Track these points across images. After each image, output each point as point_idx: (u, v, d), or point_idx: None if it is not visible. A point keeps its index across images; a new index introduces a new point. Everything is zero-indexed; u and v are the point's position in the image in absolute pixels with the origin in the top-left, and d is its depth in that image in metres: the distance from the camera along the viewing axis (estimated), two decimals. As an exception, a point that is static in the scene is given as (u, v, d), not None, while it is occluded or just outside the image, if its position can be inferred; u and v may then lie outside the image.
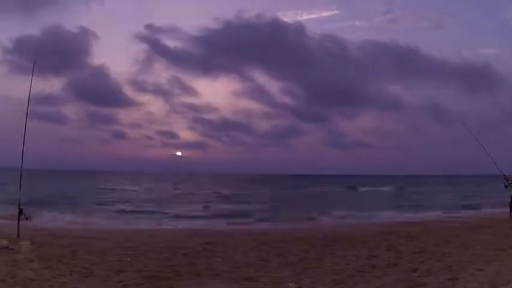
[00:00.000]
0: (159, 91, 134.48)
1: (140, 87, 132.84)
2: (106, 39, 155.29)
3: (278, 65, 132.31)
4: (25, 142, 9.33)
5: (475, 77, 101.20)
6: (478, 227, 12.56)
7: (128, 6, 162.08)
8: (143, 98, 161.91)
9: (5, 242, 8.38)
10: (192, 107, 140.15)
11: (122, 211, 22.77)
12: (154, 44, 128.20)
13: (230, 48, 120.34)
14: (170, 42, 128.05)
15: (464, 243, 9.34)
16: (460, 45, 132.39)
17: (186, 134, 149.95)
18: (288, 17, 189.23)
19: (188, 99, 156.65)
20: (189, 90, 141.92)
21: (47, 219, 16.18)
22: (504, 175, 12.30)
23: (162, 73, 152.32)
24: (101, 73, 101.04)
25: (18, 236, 9.03)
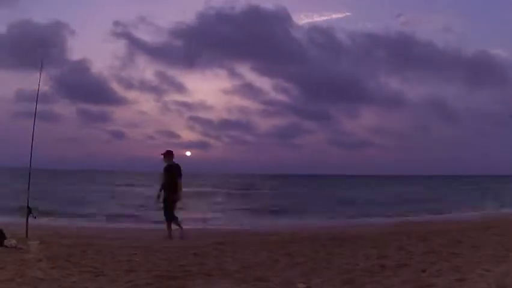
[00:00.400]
0: (147, 88, 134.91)
1: (127, 83, 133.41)
2: (82, 33, 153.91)
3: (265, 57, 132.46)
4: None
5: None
6: (487, 227, 12.54)
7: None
8: (132, 95, 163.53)
9: (13, 242, 8.44)
10: (186, 105, 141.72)
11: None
12: (132, 39, 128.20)
13: (213, 41, 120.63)
14: (149, 37, 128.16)
15: (474, 244, 9.39)
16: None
17: (185, 133, 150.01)
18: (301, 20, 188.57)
19: (180, 97, 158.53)
20: (178, 87, 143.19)
21: (57, 219, 16.18)
22: None
23: (146, 69, 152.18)
24: (82, 69, 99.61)
25: (26, 236, 9.09)
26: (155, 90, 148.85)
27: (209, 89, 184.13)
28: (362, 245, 9.85)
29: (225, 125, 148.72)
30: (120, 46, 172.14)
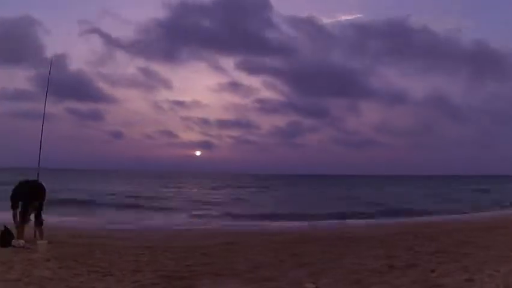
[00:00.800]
0: (133, 84, 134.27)
1: (110, 80, 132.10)
2: (54, 29, 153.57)
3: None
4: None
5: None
6: (494, 228, 12.46)
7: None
8: (118, 92, 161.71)
9: (21, 242, 8.41)
10: (179, 104, 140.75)
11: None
12: (107, 34, 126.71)
13: (194, 34, 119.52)
14: (125, 31, 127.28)
15: (482, 244, 9.47)
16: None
17: (183, 133, 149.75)
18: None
19: (169, 95, 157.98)
20: (165, 83, 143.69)
21: (66, 219, 16.19)
22: None
23: (127, 65, 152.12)
24: (61, 66, 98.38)
25: (34, 236, 9.02)
26: (142, 87, 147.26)
27: (196, 85, 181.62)
28: (370, 245, 9.91)
29: (223, 124, 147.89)
30: (97, 42, 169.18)
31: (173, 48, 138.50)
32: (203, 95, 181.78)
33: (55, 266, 7.01)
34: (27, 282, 5.94)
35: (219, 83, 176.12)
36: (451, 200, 33.35)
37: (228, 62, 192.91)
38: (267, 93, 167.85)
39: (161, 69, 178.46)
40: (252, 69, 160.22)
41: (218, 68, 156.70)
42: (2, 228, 8.65)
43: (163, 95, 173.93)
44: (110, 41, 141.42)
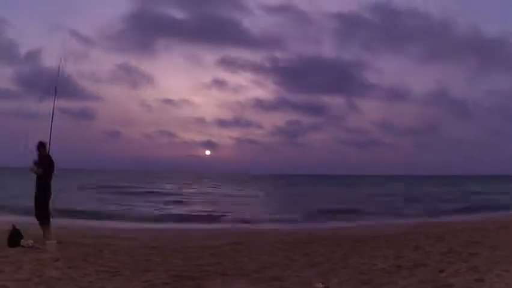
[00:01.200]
0: (116, 81, 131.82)
1: (91, 77, 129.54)
2: (24, 28, 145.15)
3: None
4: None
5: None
6: (503, 228, 12.50)
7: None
8: (100, 89, 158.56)
9: (30, 242, 8.43)
10: (167, 102, 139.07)
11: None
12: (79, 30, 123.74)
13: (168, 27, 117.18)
14: (98, 27, 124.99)
15: (491, 244, 9.50)
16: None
17: (179, 132, 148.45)
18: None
19: (154, 92, 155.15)
20: (147, 79, 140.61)
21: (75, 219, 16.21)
22: None
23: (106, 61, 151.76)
24: (37, 63, 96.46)
25: (43, 236, 8.98)
26: (125, 84, 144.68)
27: (181, 82, 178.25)
28: (379, 245, 9.94)
29: (218, 123, 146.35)
30: (70, 39, 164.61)
31: (149, 42, 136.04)
32: (190, 93, 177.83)
33: (64, 266, 7.04)
34: (36, 282, 5.97)
35: (203, 82, 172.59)
36: (458, 200, 33.22)
37: (210, 57, 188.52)
38: (253, 89, 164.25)
39: (141, 64, 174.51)
40: (235, 64, 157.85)
41: (202, 65, 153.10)
42: (11, 228, 8.64)
43: (149, 92, 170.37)
44: (83, 38, 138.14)
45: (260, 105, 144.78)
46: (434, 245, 9.61)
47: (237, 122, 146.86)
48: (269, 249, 9.43)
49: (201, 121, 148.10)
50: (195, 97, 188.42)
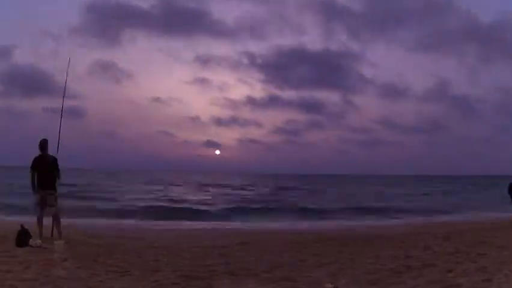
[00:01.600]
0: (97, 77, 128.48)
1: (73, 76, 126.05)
2: None
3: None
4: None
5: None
6: (509, 228, 12.36)
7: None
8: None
9: (38, 241, 8.47)
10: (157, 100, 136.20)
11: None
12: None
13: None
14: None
15: (499, 244, 9.57)
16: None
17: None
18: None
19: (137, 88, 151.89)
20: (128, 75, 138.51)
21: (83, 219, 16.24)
22: None
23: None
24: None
25: (51, 235, 9.02)
26: (104, 80, 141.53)
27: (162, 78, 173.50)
28: (388, 245, 10.01)
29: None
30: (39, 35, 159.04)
31: (119, 35, 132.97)
32: (174, 89, 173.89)
33: (73, 265, 7.08)
34: (44, 282, 6.00)
35: (185, 80, 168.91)
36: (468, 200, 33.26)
37: (188, 53, 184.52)
38: (239, 86, 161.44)
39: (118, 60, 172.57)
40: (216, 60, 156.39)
41: (180, 60, 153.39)
42: (19, 228, 8.66)
43: (132, 90, 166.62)
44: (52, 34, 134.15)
45: (253, 103, 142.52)
46: (442, 244, 9.67)
47: (233, 121, 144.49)
48: (278, 249, 9.49)
49: (194, 120, 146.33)
50: (180, 95, 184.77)
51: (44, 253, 7.88)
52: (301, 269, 7.40)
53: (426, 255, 8.42)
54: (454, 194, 43.09)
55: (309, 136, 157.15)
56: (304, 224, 17.85)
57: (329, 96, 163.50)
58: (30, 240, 8.56)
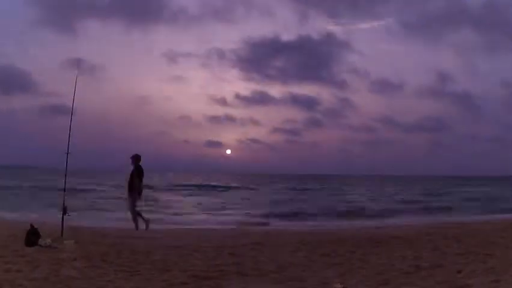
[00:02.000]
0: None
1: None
2: None
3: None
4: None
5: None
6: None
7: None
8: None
9: (48, 241, 8.53)
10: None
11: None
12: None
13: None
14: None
15: (508, 245, 9.53)
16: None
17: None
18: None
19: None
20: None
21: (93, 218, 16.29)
22: None
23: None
24: None
25: (61, 235, 9.13)
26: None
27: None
28: (397, 245, 10.00)
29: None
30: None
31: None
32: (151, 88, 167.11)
33: (82, 265, 7.14)
34: (53, 281, 6.07)
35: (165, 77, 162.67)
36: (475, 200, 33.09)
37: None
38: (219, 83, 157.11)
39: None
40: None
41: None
42: (28, 228, 8.70)
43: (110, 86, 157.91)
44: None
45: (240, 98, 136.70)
46: (451, 245, 9.64)
47: (227, 120, 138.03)
48: (288, 249, 9.49)
49: (186, 118, 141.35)
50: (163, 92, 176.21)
51: (53, 253, 7.94)
52: (311, 269, 7.45)
53: (436, 255, 8.42)
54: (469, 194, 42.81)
55: (309, 135, 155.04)
56: (315, 224, 17.88)
57: (313, 90, 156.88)
58: (40, 239, 8.62)
